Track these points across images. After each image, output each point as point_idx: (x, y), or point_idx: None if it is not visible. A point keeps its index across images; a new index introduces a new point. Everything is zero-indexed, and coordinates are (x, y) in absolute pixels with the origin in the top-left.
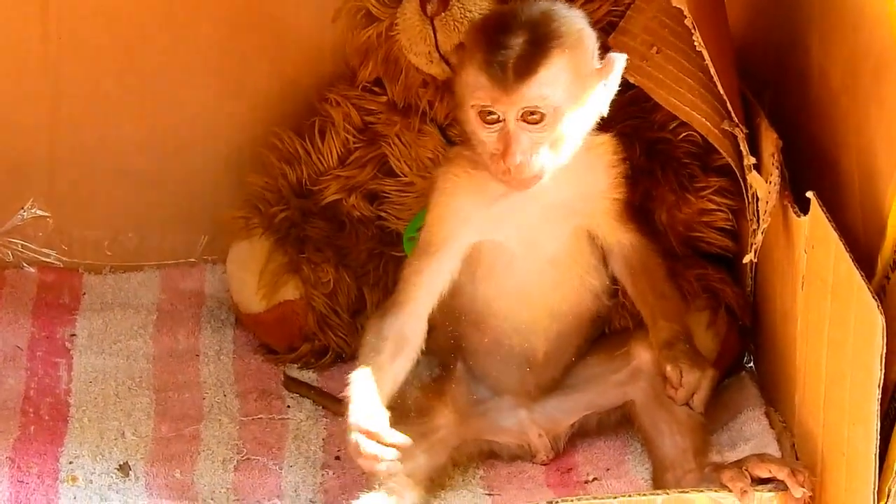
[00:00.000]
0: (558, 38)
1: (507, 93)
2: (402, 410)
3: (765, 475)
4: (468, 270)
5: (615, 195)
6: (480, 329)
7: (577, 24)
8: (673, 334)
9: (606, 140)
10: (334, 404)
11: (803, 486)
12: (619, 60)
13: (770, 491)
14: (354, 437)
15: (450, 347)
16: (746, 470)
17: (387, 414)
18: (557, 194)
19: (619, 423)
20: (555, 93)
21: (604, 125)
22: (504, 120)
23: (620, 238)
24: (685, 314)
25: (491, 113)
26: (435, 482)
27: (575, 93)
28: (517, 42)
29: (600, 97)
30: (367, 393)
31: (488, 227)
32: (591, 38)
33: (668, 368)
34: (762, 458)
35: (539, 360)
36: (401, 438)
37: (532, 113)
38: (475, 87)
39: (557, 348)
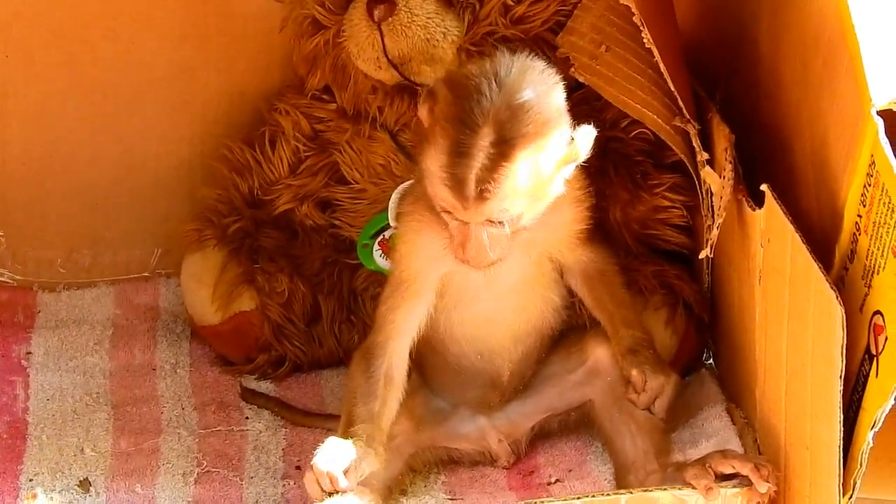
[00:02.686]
0: (524, 144)
1: (467, 208)
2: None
3: (728, 471)
4: (441, 295)
5: (580, 226)
6: (441, 353)
7: (547, 113)
8: (636, 341)
9: (573, 175)
10: (293, 414)
11: (768, 481)
12: (586, 139)
13: (734, 487)
14: (308, 475)
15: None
16: (709, 467)
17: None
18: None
19: (579, 423)
20: (517, 204)
21: None
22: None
23: (579, 255)
24: (642, 313)
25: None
26: (393, 490)
27: (540, 192)
28: (481, 148)
29: (567, 175)
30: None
31: (455, 261)
32: (561, 123)
33: (634, 373)
34: (725, 454)
35: (503, 381)
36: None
37: (493, 220)
38: (437, 188)
39: (521, 368)
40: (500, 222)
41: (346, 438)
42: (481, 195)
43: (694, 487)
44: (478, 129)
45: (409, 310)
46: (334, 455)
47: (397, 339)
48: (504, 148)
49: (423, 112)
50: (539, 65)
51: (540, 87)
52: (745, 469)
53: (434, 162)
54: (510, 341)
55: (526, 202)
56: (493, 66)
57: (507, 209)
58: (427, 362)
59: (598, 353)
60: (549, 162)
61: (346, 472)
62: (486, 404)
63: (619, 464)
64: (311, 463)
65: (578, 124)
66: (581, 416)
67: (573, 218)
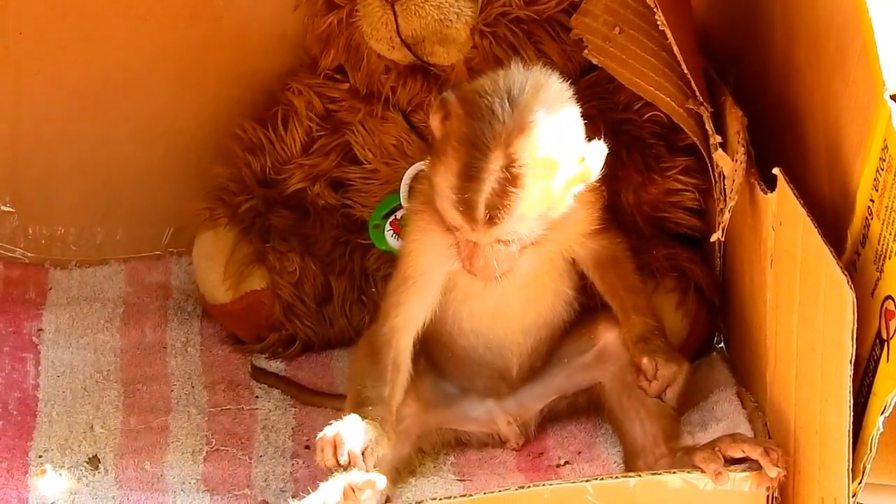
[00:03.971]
0: (535, 168)
1: (476, 230)
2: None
3: (738, 455)
4: (449, 289)
5: (592, 227)
6: (448, 345)
7: (559, 135)
8: (648, 329)
9: None
10: (303, 394)
11: (777, 465)
12: (598, 157)
13: (744, 471)
14: (325, 440)
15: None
16: (719, 451)
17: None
18: None
19: (588, 406)
20: (526, 226)
21: None
22: None
23: (591, 245)
24: (653, 295)
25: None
26: (401, 471)
27: (550, 212)
28: (491, 171)
29: (577, 191)
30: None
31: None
32: (573, 143)
33: (645, 360)
34: (735, 438)
35: (512, 374)
36: (363, 468)
37: (501, 240)
38: (446, 208)
39: (531, 361)
40: (510, 242)
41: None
42: (490, 220)
43: (703, 471)
44: (489, 152)
45: (415, 305)
46: (355, 432)
47: (403, 332)
48: (515, 173)
49: (434, 122)
50: (553, 81)
51: (553, 106)
52: (754, 453)
53: (444, 181)
54: (520, 335)
55: (535, 223)
56: (506, 83)
57: (517, 231)
58: (435, 351)
59: (608, 337)
60: (560, 183)
61: (363, 452)
62: (494, 392)
63: (627, 448)
64: (334, 433)
65: (592, 107)
66: (590, 399)
67: (585, 219)
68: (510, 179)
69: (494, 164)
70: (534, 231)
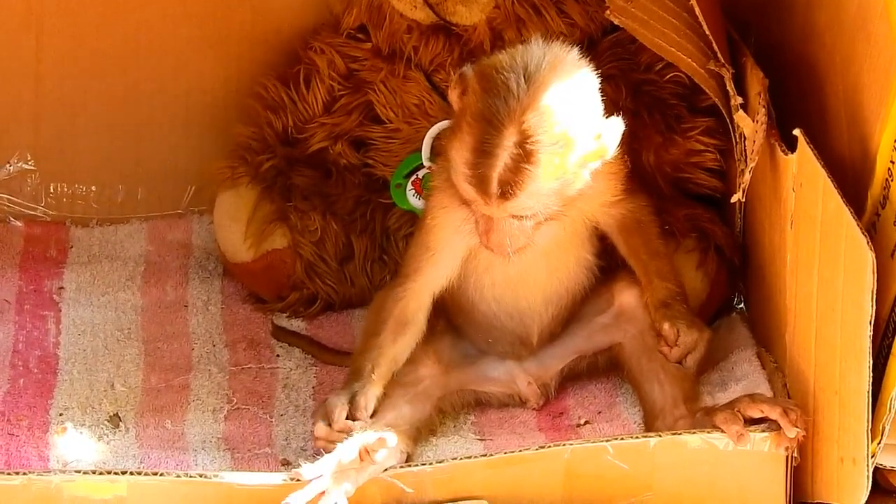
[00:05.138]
0: (549, 145)
1: (491, 205)
2: None
3: (757, 415)
4: (470, 259)
5: (615, 196)
6: (469, 312)
7: (574, 112)
8: (670, 294)
9: None
10: (322, 353)
11: (796, 426)
12: (614, 134)
13: (763, 431)
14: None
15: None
16: (738, 411)
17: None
18: None
19: (608, 366)
20: (541, 201)
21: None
22: None
23: (614, 213)
24: (674, 254)
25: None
26: (422, 430)
27: (565, 188)
28: (505, 147)
29: (594, 167)
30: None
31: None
32: (589, 120)
33: (666, 326)
34: (754, 398)
35: (533, 341)
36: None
37: (515, 215)
38: (461, 182)
39: (552, 327)
40: (526, 217)
41: (353, 376)
42: (503, 195)
43: (724, 432)
44: (503, 128)
45: (434, 273)
46: (333, 409)
47: (418, 294)
48: (528, 149)
49: (453, 97)
50: (571, 57)
51: (569, 83)
52: (774, 413)
53: (459, 156)
54: (541, 303)
55: (549, 198)
56: (523, 59)
57: (531, 206)
58: (455, 315)
59: (627, 297)
60: (575, 159)
61: (351, 416)
62: (514, 355)
63: (647, 409)
64: (316, 429)
65: (613, 67)
66: (610, 360)
67: (607, 190)
68: (523, 156)
69: (508, 140)
70: (549, 207)
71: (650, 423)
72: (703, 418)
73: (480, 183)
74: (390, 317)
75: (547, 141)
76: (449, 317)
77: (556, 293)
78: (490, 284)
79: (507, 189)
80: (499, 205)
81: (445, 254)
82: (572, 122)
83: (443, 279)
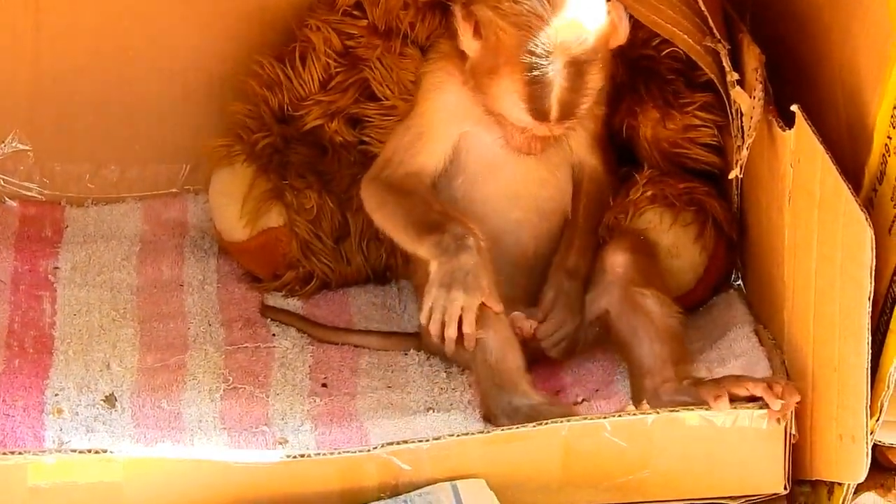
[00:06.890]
0: (593, 54)
1: (549, 127)
2: None
3: (743, 393)
4: (458, 171)
5: (595, 138)
6: None
7: (597, 12)
8: (575, 270)
9: None
10: (315, 329)
11: (781, 398)
12: (623, 16)
13: (760, 408)
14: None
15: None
16: (724, 388)
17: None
18: None
19: (598, 338)
20: (589, 105)
21: None
22: None
23: (585, 159)
24: (672, 227)
25: None
26: None
27: (600, 82)
28: (557, 72)
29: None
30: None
31: (477, 120)
32: (601, 6)
33: (549, 296)
34: (739, 378)
35: (529, 259)
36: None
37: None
38: (516, 115)
39: (546, 247)
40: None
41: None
42: (564, 115)
43: (707, 403)
44: (549, 55)
45: (428, 158)
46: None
47: (420, 177)
48: (580, 67)
49: (465, 38)
50: None
51: None
52: (757, 390)
53: (508, 94)
54: (535, 216)
55: (595, 100)
56: None
57: (583, 113)
58: None
59: (611, 261)
60: (605, 50)
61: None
62: (512, 295)
63: (634, 370)
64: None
65: None
66: (600, 330)
67: (590, 127)
68: (576, 73)
69: (557, 65)
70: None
71: (637, 384)
72: (689, 388)
73: (540, 112)
74: (427, 190)
75: (591, 51)
76: None
77: (549, 207)
78: (482, 200)
79: (567, 109)
80: (559, 126)
81: (439, 138)
82: (597, 20)
83: (436, 165)
